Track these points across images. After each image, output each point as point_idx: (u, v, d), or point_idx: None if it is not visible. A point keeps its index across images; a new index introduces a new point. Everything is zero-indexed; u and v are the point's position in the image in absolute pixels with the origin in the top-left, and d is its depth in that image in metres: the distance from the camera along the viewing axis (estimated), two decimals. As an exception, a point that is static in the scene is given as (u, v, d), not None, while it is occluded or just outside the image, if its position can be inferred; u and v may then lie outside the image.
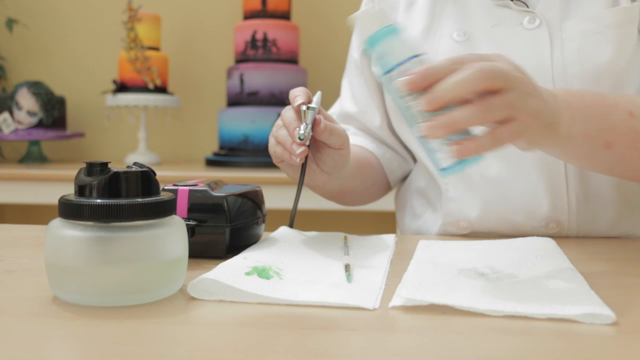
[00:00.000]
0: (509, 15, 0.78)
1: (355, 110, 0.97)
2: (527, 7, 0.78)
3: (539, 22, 0.76)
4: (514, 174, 0.77)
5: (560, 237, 0.79)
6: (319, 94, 0.70)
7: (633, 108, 0.64)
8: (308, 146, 0.66)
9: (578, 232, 0.79)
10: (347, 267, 0.54)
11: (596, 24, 0.75)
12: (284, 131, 0.67)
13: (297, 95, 0.66)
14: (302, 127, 0.64)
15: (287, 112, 0.68)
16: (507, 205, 0.78)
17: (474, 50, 0.79)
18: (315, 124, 0.65)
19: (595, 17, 0.75)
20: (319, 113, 0.68)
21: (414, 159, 0.99)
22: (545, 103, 0.55)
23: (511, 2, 0.78)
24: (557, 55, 0.76)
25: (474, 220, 0.80)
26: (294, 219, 0.73)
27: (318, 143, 0.70)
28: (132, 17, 1.92)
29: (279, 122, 0.69)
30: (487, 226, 0.80)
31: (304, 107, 0.65)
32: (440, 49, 0.81)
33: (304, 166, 0.69)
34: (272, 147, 0.71)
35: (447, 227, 0.83)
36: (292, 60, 1.91)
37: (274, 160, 0.72)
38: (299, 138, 0.64)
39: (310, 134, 0.65)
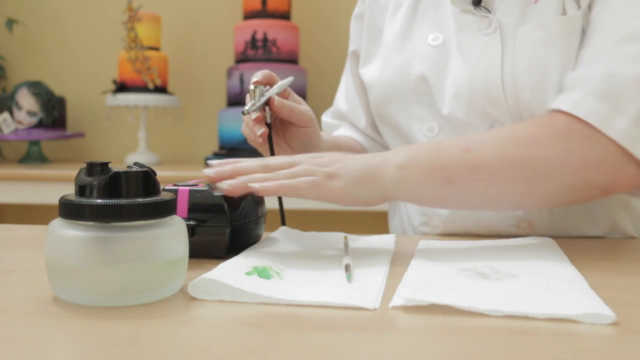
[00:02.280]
0: (471, 21, 0.77)
1: (345, 108, 0.99)
2: (490, 12, 0.76)
3: (494, 27, 0.74)
4: None
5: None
6: (288, 79, 0.75)
7: (468, 144, 0.64)
8: (268, 124, 0.72)
9: (553, 233, 0.78)
10: (347, 267, 0.54)
11: (546, 32, 0.71)
12: None
13: (254, 75, 0.72)
14: (250, 104, 0.70)
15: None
16: None
17: (448, 54, 0.79)
18: (271, 102, 0.71)
19: (546, 25, 0.71)
20: (286, 96, 0.75)
21: None
22: (353, 166, 0.62)
23: (472, 8, 0.76)
24: (507, 63, 0.73)
25: (445, 218, 0.80)
26: (283, 216, 0.75)
27: (284, 122, 0.77)
28: (132, 17, 1.92)
29: None
30: (458, 225, 0.80)
31: (251, 86, 0.71)
32: (417, 52, 0.82)
33: (271, 147, 0.74)
34: (243, 129, 0.78)
35: (422, 227, 0.84)
36: (292, 60, 1.91)
37: (248, 141, 0.79)
38: (242, 113, 0.71)
39: (267, 112, 0.72)
